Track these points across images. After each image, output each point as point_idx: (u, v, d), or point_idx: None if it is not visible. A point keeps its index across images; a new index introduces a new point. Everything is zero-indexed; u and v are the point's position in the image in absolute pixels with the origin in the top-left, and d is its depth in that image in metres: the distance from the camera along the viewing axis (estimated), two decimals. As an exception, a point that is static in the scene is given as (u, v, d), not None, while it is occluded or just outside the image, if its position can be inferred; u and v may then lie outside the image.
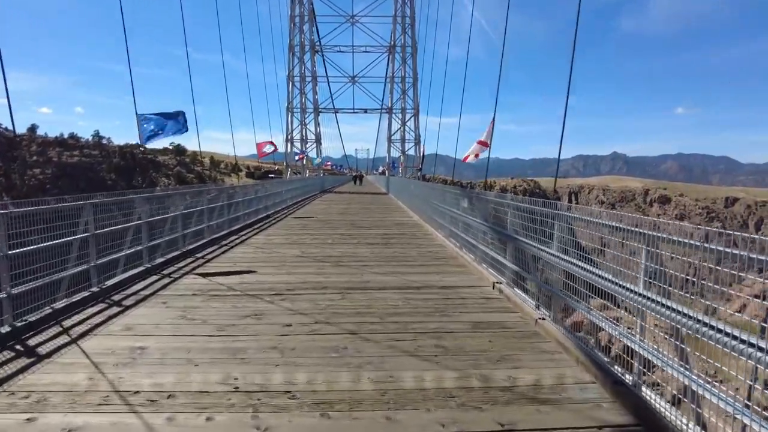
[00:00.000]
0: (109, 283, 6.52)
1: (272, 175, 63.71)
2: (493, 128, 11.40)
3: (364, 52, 47.60)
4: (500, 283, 6.68)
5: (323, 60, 47.88)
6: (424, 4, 49.13)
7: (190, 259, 8.93)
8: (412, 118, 46.02)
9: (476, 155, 11.95)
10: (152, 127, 8.67)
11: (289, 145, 45.05)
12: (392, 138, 47.44)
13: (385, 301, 6.03)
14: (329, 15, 47.02)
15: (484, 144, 11.67)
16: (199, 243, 10.24)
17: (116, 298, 6.12)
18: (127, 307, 5.72)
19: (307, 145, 46.51)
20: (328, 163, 67.51)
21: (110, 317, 5.32)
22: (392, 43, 46.51)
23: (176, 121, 8.92)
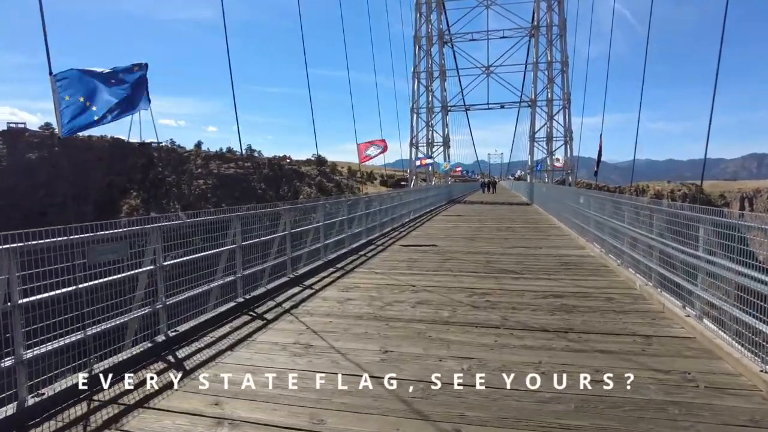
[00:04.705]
0: None
1: (404, 183, 60.20)
2: None
3: (501, 38, 40.98)
4: None
5: (453, 51, 42.50)
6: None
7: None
8: (561, 111, 37.97)
9: None
10: (81, 100, 4.47)
11: (413, 149, 40.54)
12: (535, 136, 39.85)
13: None
14: (459, -1, 41.46)
15: None
16: (216, 313, 5.74)
17: None
18: None
19: (434, 149, 41.42)
20: (458, 168, 61.69)
21: None
22: (535, 23, 39.13)
23: (130, 89, 4.56)
